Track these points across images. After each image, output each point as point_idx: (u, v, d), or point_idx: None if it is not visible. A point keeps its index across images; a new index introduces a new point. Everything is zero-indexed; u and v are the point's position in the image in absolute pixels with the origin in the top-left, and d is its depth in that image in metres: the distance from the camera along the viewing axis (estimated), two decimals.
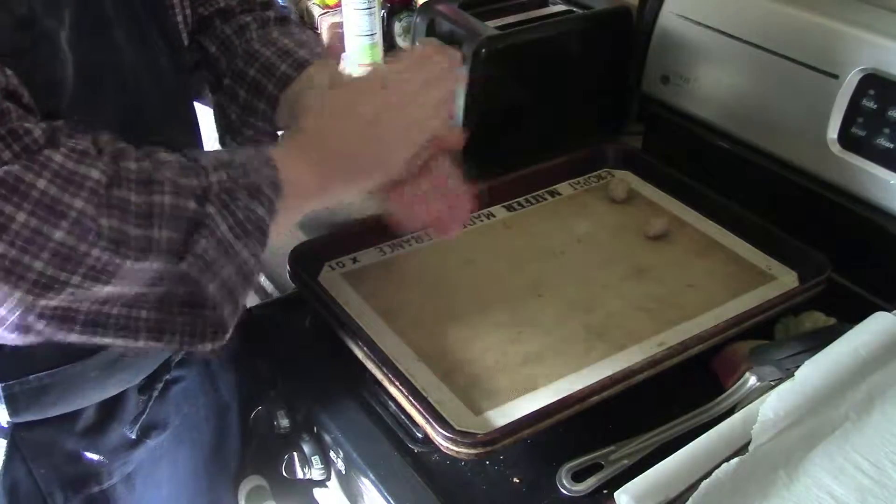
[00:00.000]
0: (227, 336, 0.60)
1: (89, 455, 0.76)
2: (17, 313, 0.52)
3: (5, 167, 0.50)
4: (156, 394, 0.79)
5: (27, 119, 0.53)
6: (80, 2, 0.61)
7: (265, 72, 0.78)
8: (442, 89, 0.74)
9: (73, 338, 0.55)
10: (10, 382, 0.68)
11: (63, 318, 0.54)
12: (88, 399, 0.74)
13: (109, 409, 0.76)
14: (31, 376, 0.69)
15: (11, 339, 0.53)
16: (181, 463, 0.85)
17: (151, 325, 0.57)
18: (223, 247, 0.57)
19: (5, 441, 0.71)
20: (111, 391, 0.75)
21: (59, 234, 0.50)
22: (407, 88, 0.71)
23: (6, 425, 0.71)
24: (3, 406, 0.69)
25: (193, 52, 0.83)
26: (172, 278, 0.56)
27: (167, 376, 0.80)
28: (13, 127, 0.51)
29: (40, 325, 0.53)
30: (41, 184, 0.50)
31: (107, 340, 0.57)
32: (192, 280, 0.56)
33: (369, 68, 0.80)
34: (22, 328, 0.53)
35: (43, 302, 0.52)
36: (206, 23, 0.82)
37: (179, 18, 0.76)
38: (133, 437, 0.78)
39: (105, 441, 0.76)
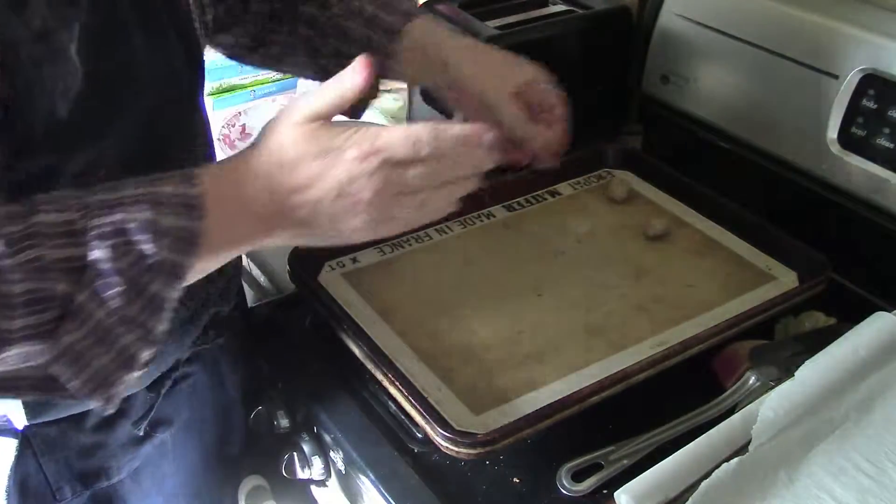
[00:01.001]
0: (110, 407, 0.56)
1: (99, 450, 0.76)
2: None
3: None
4: (164, 391, 0.80)
5: None
6: (95, 10, 0.61)
7: (361, 46, 0.79)
8: (454, 192, 0.62)
9: None
10: None
11: None
12: None
13: (118, 407, 0.76)
14: None
15: None
16: (187, 458, 0.86)
17: (36, 384, 0.54)
18: (98, 335, 0.52)
19: (16, 439, 0.71)
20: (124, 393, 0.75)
21: None
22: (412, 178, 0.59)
23: (21, 428, 0.71)
24: (21, 411, 0.69)
25: (271, 44, 0.85)
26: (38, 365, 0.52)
27: (176, 374, 0.81)
28: None
29: None
30: None
31: None
32: (56, 373, 0.52)
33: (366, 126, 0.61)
34: None
35: None
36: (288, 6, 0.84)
37: (197, 25, 0.75)
38: (141, 433, 0.79)
39: (114, 437, 0.77)
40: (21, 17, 0.54)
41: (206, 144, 0.80)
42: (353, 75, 0.60)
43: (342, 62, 0.63)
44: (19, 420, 0.70)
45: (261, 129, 0.60)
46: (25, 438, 0.71)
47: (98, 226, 0.51)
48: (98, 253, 0.51)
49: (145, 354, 0.54)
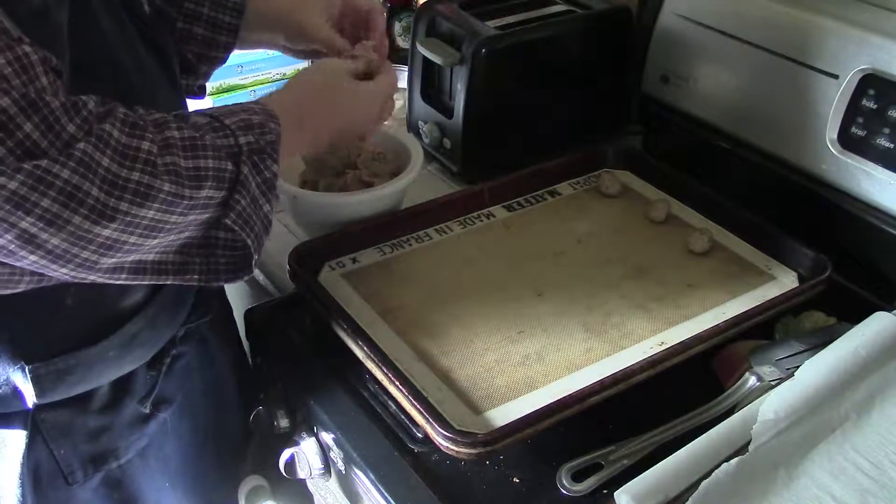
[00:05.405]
0: (252, 271, 0.68)
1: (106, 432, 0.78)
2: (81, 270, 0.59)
3: (81, 145, 0.55)
4: (164, 369, 0.81)
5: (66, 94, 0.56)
6: None
7: (217, 7, 0.88)
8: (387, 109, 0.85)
9: (121, 280, 0.64)
10: (36, 364, 0.70)
11: (114, 269, 0.62)
12: (106, 377, 0.76)
13: (122, 386, 0.78)
14: (55, 358, 0.71)
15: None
16: (185, 438, 0.87)
17: (177, 268, 0.66)
18: (256, 203, 0.65)
19: (26, 426, 0.73)
20: (126, 368, 0.77)
21: (124, 205, 0.57)
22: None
23: (31, 406, 0.72)
24: (31, 387, 0.71)
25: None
26: (213, 229, 0.65)
27: (174, 352, 0.82)
28: (71, 99, 0.56)
29: (95, 276, 0.61)
30: (105, 161, 0.56)
31: (145, 282, 0.65)
32: (237, 234, 0.64)
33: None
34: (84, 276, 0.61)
35: (105, 261, 0.60)
36: None
37: (148, 10, 0.78)
38: (146, 411, 0.80)
39: (120, 417, 0.78)
40: None
41: None
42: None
43: None
44: (29, 397, 0.71)
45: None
46: (35, 425, 0.73)
47: (231, 122, 0.65)
48: (243, 139, 0.65)
49: (269, 224, 0.68)
